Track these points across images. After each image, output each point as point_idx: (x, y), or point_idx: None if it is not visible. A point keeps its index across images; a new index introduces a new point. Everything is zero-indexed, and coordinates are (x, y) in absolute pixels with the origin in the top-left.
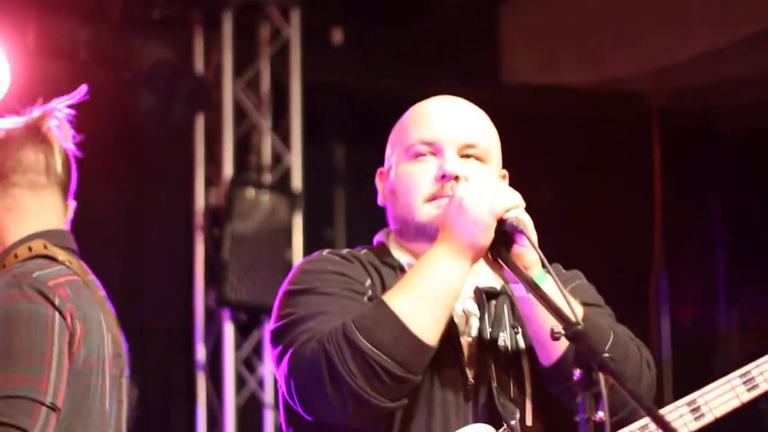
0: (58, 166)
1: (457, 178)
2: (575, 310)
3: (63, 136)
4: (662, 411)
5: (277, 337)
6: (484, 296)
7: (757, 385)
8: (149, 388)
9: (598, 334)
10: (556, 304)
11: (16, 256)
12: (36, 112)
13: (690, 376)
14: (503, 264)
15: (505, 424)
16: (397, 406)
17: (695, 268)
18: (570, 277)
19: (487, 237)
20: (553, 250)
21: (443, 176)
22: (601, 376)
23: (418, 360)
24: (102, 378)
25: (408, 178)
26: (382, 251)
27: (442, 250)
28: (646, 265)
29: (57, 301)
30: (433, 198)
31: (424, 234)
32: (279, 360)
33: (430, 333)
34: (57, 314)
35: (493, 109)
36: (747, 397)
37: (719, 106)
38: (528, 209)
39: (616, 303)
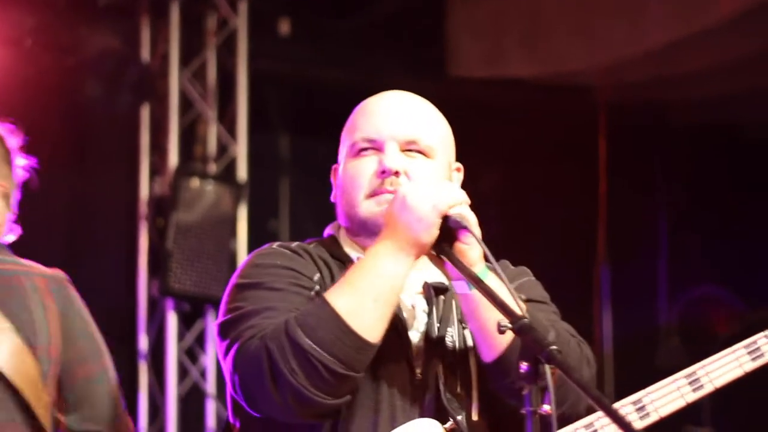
0: None
1: (397, 173)
2: (520, 304)
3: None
4: None
5: (223, 331)
6: (433, 291)
7: (702, 386)
8: None
9: (540, 329)
10: (500, 299)
11: None
12: None
13: (632, 371)
14: (446, 260)
15: (451, 419)
16: (339, 403)
17: (638, 262)
18: (517, 273)
19: (430, 234)
20: (497, 243)
21: (383, 171)
22: (548, 369)
23: (359, 358)
24: None
25: (350, 175)
26: (333, 245)
27: (384, 247)
28: (590, 258)
29: None
30: (373, 194)
31: (366, 230)
32: (225, 354)
33: (371, 331)
34: None
35: (440, 101)
36: (692, 397)
37: (671, 101)
38: (472, 202)
39: (559, 296)
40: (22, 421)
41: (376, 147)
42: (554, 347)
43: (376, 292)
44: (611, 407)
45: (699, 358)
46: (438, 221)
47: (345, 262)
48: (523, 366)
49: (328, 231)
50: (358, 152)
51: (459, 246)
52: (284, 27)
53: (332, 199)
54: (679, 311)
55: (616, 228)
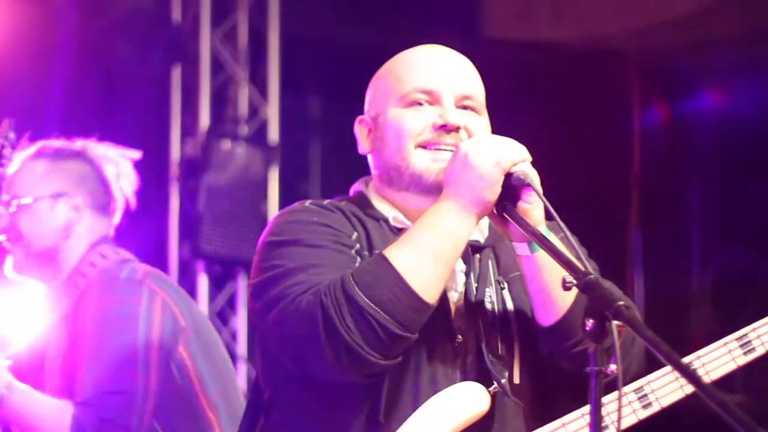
0: None
1: (457, 128)
2: (586, 263)
3: None
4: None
5: (262, 289)
6: (470, 250)
7: (753, 349)
8: None
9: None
10: (566, 256)
11: None
12: None
13: (663, 336)
14: (510, 219)
15: (495, 382)
16: (391, 364)
17: (670, 227)
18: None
19: (494, 192)
20: None
21: (443, 126)
22: (615, 326)
23: (416, 318)
24: None
25: (400, 124)
26: (363, 202)
27: (447, 206)
28: (622, 223)
29: None
30: (427, 144)
31: (419, 184)
32: (265, 313)
33: (430, 291)
34: None
35: (473, 62)
36: (744, 360)
37: (704, 65)
38: None
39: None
40: None
41: (432, 100)
42: (622, 303)
43: (437, 251)
44: (683, 363)
45: (731, 323)
46: (501, 179)
47: (379, 220)
48: (589, 323)
49: (356, 188)
50: (410, 103)
51: (522, 205)
52: None
53: (361, 150)
54: (711, 276)
55: (648, 191)
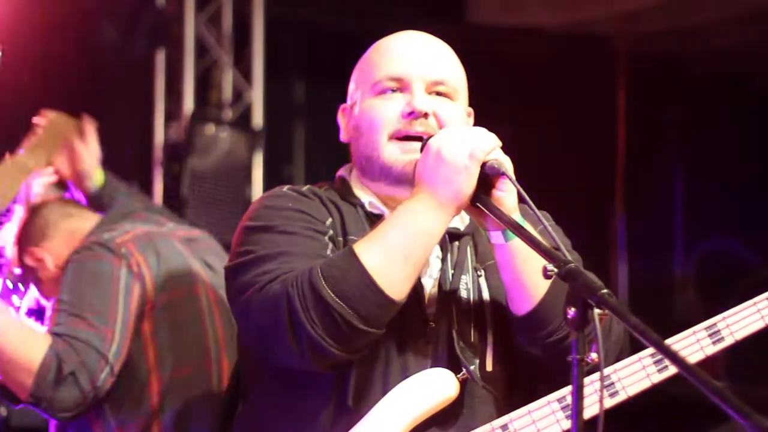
0: None
1: (426, 115)
2: (564, 251)
3: None
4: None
5: (235, 274)
6: (447, 237)
7: (722, 339)
8: None
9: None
10: (544, 244)
11: None
12: None
13: (647, 323)
14: (484, 210)
15: (464, 369)
16: (356, 357)
17: (654, 213)
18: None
19: (471, 186)
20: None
21: (411, 113)
22: (596, 314)
23: (381, 315)
24: None
25: (372, 114)
26: (344, 188)
27: (422, 203)
28: (606, 209)
29: None
30: (398, 135)
31: (389, 176)
32: (235, 299)
33: (398, 289)
34: None
35: (457, 48)
36: (712, 350)
37: (687, 51)
38: None
39: (575, 247)
40: None
41: (402, 87)
42: (606, 291)
43: (408, 250)
44: (670, 348)
45: (714, 310)
46: (477, 171)
47: (356, 206)
48: (571, 312)
49: (339, 174)
50: (380, 92)
51: (496, 193)
52: None
53: (342, 139)
54: (695, 263)
55: (632, 179)
